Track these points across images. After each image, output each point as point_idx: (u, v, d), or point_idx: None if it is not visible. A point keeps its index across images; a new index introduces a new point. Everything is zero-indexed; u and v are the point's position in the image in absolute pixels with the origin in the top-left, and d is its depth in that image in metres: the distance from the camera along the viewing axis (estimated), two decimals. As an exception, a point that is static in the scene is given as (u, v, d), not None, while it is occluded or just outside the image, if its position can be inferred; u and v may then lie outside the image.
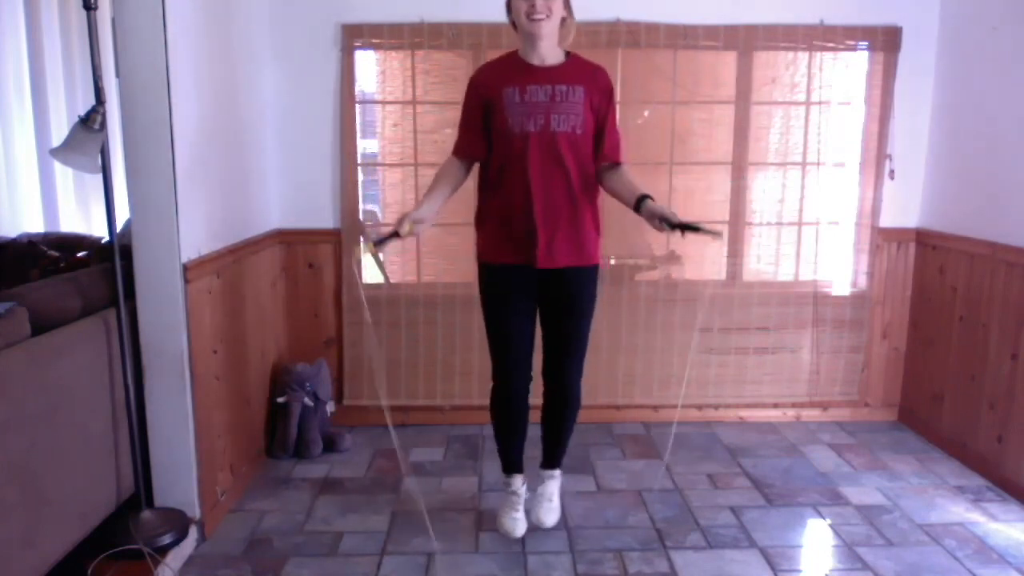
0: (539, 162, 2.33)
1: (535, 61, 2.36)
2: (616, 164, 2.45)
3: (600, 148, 2.41)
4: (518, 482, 2.67)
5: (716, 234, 2.23)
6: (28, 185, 3.75)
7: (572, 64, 2.40)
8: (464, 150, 2.46)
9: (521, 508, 2.66)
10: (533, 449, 2.72)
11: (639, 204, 2.32)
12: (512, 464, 2.67)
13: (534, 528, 2.67)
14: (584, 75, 2.37)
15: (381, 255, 2.31)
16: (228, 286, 2.87)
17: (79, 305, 2.28)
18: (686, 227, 2.23)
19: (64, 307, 2.23)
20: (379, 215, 3.77)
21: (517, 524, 2.62)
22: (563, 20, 2.34)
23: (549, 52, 2.36)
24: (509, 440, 2.64)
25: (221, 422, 2.80)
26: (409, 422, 3.66)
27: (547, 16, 2.26)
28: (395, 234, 2.30)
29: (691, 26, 3.43)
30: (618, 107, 3.45)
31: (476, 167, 2.54)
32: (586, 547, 2.60)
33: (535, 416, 2.64)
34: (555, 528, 2.70)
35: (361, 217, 3.60)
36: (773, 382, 3.72)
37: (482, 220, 2.49)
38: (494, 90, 2.36)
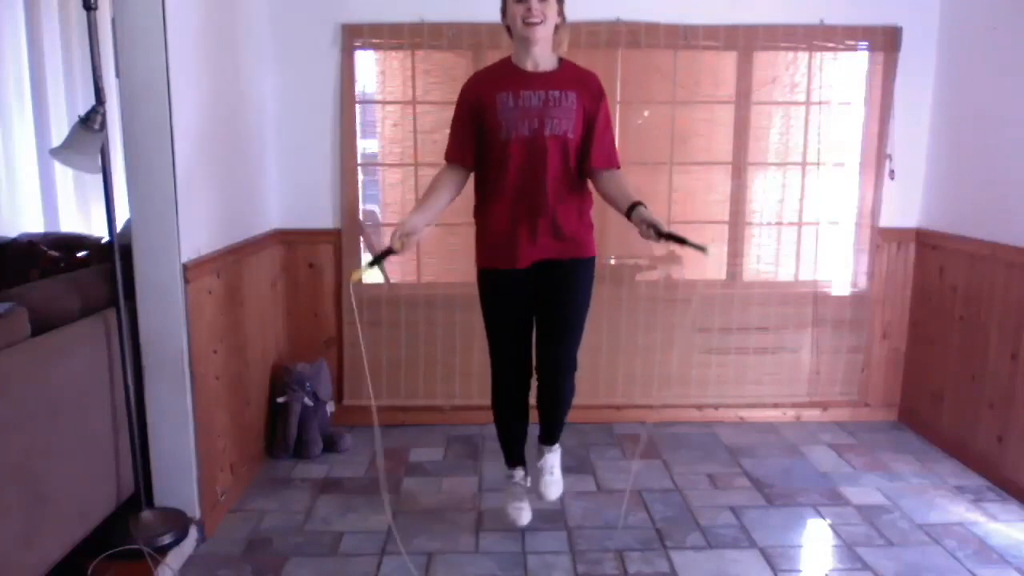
0: (531, 165, 2.35)
1: (529, 67, 2.38)
2: (613, 170, 2.44)
3: (590, 152, 2.41)
4: (520, 473, 2.69)
5: (702, 249, 2.17)
6: (28, 185, 3.75)
7: (565, 70, 2.41)
8: (455, 156, 2.47)
9: (525, 498, 2.65)
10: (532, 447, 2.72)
11: (630, 211, 2.33)
12: (514, 456, 2.69)
13: (535, 528, 2.67)
14: (576, 81, 2.39)
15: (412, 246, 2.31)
16: (228, 286, 2.87)
17: (79, 305, 2.28)
18: (673, 237, 2.22)
19: (64, 307, 2.23)
20: (379, 215, 3.77)
21: (522, 513, 2.62)
22: (556, 26, 2.36)
23: (543, 57, 2.38)
24: (511, 437, 2.66)
25: (221, 422, 2.80)
26: (409, 422, 3.66)
27: (542, 21, 2.28)
28: (390, 251, 2.30)
29: (691, 26, 3.43)
30: (618, 107, 3.49)
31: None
32: (586, 547, 2.60)
33: (534, 415, 2.64)
34: (555, 528, 2.70)
35: (361, 217, 3.60)
36: (773, 382, 3.72)
37: (479, 225, 2.51)
38: (487, 96, 2.37)
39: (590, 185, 2.49)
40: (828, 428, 3.67)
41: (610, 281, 3.54)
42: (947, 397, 3.41)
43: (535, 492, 2.65)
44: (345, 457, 3.33)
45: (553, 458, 2.68)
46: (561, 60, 2.43)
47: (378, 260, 2.30)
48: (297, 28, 3.41)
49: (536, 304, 2.49)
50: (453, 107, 3.53)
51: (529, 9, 2.26)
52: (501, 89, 2.35)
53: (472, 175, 2.51)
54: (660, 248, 3.65)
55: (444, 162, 2.50)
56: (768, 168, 3.65)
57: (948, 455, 3.35)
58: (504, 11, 2.36)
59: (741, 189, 3.62)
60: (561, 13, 2.36)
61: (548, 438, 2.68)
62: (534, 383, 2.58)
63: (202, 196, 2.63)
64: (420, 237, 2.34)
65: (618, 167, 2.46)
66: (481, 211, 2.49)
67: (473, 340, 3.53)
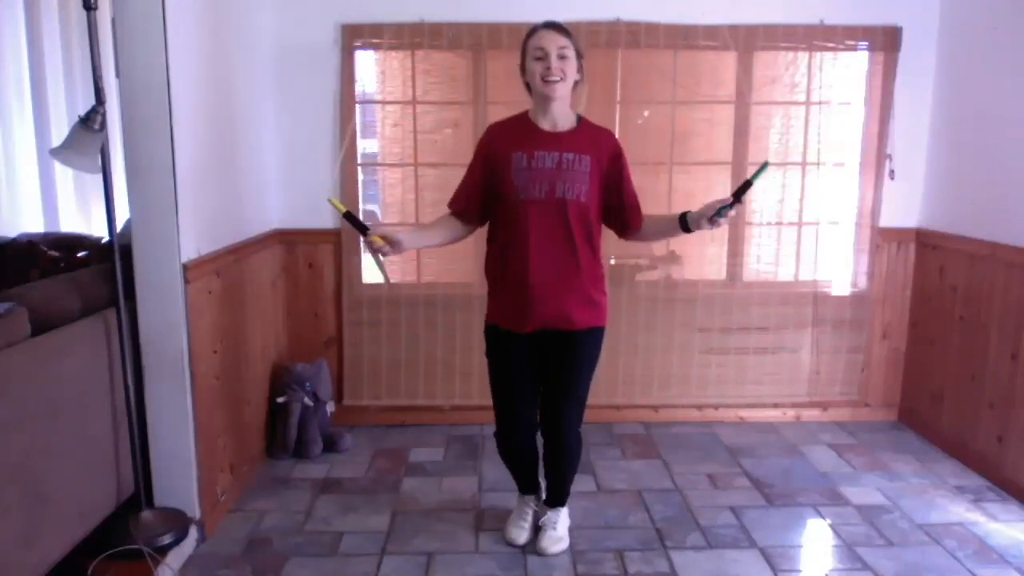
0: (542, 229, 2.32)
1: (546, 126, 2.36)
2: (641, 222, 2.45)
3: (626, 213, 2.41)
4: (531, 499, 2.69)
5: (765, 166, 2.26)
6: (28, 185, 3.74)
7: (581, 130, 2.38)
8: (460, 207, 2.45)
9: (530, 519, 2.66)
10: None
11: (684, 224, 2.32)
12: (527, 488, 2.69)
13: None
14: (591, 142, 2.36)
15: (382, 256, 2.27)
16: (228, 286, 2.87)
17: (79, 305, 2.28)
18: (742, 191, 2.24)
19: (64, 307, 2.23)
20: (379, 215, 3.77)
21: (522, 533, 2.62)
22: (576, 83, 2.34)
23: (561, 115, 2.36)
24: (521, 474, 2.66)
25: (221, 422, 2.80)
26: (409, 422, 3.66)
27: (561, 79, 2.26)
28: (364, 229, 2.21)
29: (691, 26, 3.43)
30: (618, 107, 3.49)
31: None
32: (586, 547, 2.60)
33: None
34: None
35: (361, 217, 3.59)
36: (773, 382, 3.72)
37: (490, 279, 2.48)
38: (502, 153, 2.35)
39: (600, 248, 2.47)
40: (828, 428, 3.67)
41: (610, 281, 3.52)
42: (947, 397, 3.41)
43: (536, 545, 2.58)
44: (345, 457, 3.33)
45: (556, 516, 2.62)
46: (580, 119, 2.41)
47: (353, 220, 2.22)
48: (297, 28, 3.41)
49: (543, 368, 2.47)
50: (453, 107, 3.56)
51: (548, 68, 2.24)
52: (516, 148, 2.33)
53: (479, 227, 2.51)
54: (660, 248, 3.68)
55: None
56: (768, 168, 3.64)
57: (948, 455, 3.35)
58: (523, 67, 2.33)
59: (741, 189, 3.61)
60: (581, 70, 2.33)
61: (555, 500, 2.64)
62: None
63: (202, 196, 2.63)
64: (401, 250, 2.27)
65: (643, 218, 2.45)
66: (492, 269, 2.46)
67: (473, 340, 3.53)
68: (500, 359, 2.48)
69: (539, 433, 2.56)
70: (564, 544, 2.60)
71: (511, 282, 2.38)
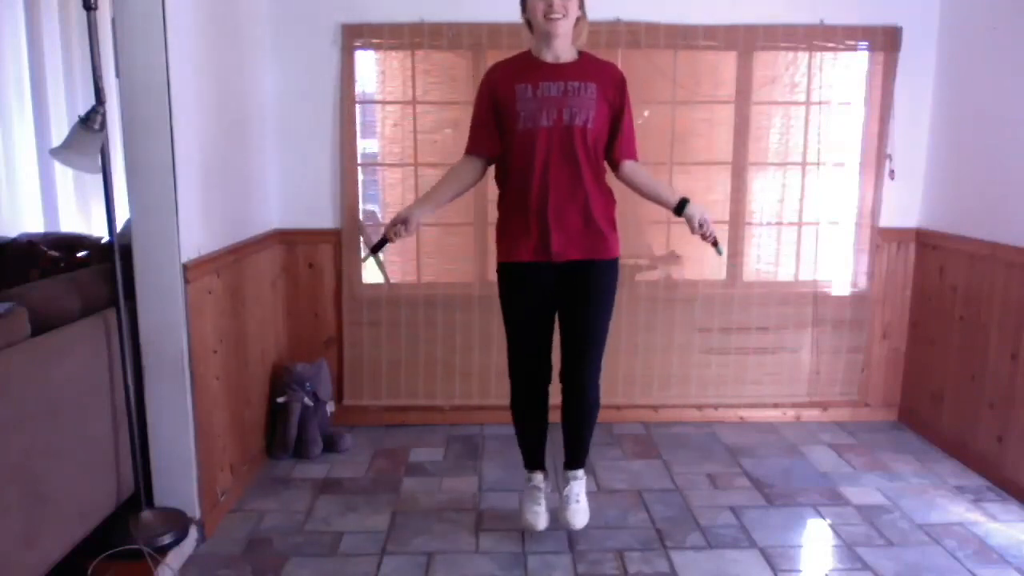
0: (552, 156, 2.33)
1: (549, 59, 2.38)
2: (633, 162, 2.47)
3: (616, 142, 2.42)
4: (539, 477, 2.67)
5: (720, 253, 2.46)
6: (28, 185, 3.74)
7: (584, 61, 2.41)
8: (477, 147, 2.47)
9: (543, 502, 2.64)
10: (552, 446, 2.71)
11: (680, 206, 2.39)
12: (534, 460, 2.67)
13: (554, 527, 2.65)
14: (596, 71, 2.39)
15: (381, 255, 2.30)
16: (228, 286, 2.87)
17: (79, 305, 2.28)
18: (714, 241, 2.45)
19: (64, 307, 2.23)
20: (379, 215, 3.77)
21: (539, 518, 2.61)
22: (577, 20, 2.36)
23: (563, 50, 2.38)
24: (531, 440, 2.65)
25: (221, 422, 2.80)
26: (409, 422, 3.66)
27: (564, 15, 2.28)
28: (385, 240, 2.35)
29: (691, 26, 3.43)
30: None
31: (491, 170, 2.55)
32: (586, 547, 2.60)
33: (555, 414, 2.62)
34: (555, 528, 2.69)
35: (361, 217, 3.60)
36: (773, 382, 3.72)
37: (501, 219, 2.49)
38: (506, 87, 2.37)
39: (612, 182, 2.49)
40: (828, 428, 3.67)
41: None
42: (947, 397, 3.41)
43: (560, 521, 2.61)
44: (345, 457, 3.33)
45: (579, 486, 2.64)
46: (581, 53, 2.43)
47: (375, 251, 2.31)
48: (297, 28, 3.41)
49: (559, 307, 2.48)
50: (453, 107, 3.56)
51: (551, 5, 2.26)
52: (520, 80, 2.35)
53: (488, 168, 2.52)
54: (660, 248, 3.68)
55: (457, 159, 2.50)
56: (768, 168, 3.64)
57: (948, 455, 3.35)
58: (524, 5, 2.35)
59: (741, 189, 3.62)
60: (581, 7, 2.36)
61: (573, 461, 2.65)
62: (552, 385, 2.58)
63: (202, 196, 2.63)
64: (412, 227, 2.35)
65: (637, 159, 2.48)
66: (503, 203, 2.47)
67: (473, 340, 3.53)
68: (515, 296, 2.47)
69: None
70: (588, 514, 2.63)
71: (524, 212, 2.38)
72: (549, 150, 2.33)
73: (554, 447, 2.70)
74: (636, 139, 2.49)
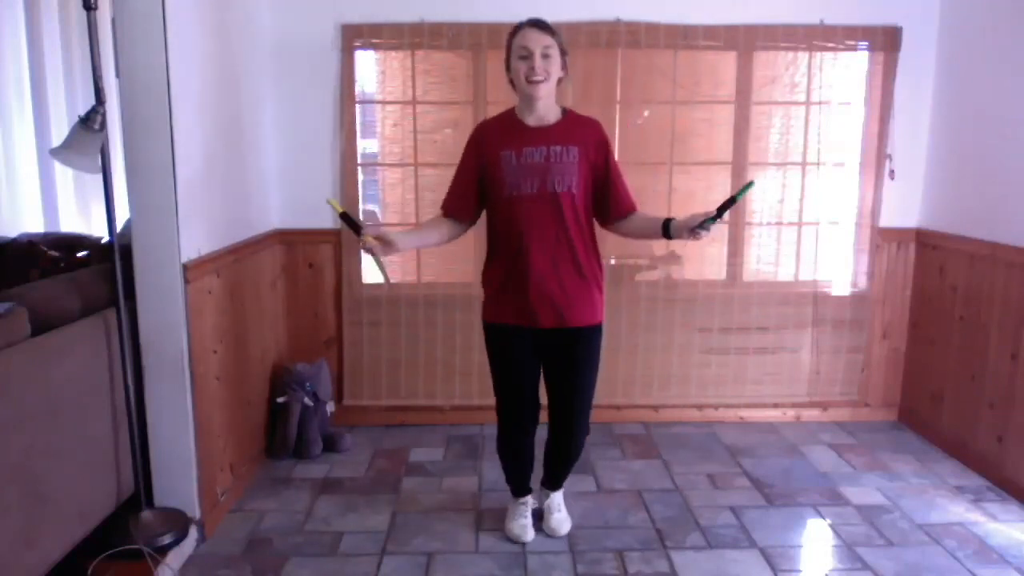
0: (537, 223, 2.33)
1: (531, 122, 2.37)
2: (632, 211, 2.46)
3: (612, 200, 2.41)
4: (527, 499, 2.72)
5: (750, 184, 2.23)
6: (28, 185, 3.74)
7: (568, 122, 2.40)
8: (452, 208, 2.47)
9: (529, 515, 2.69)
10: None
11: (666, 229, 2.32)
12: (521, 489, 2.70)
13: (538, 530, 2.67)
14: (578, 133, 2.37)
15: (378, 256, 2.28)
16: (228, 286, 2.87)
17: (79, 305, 2.28)
18: (725, 207, 2.19)
19: (64, 307, 2.23)
20: (379, 215, 3.77)
21: (526, 530, 2.64)
22: (559, 80, 2.36)
23: (547, 111, 2.38)
24: (517, 473, 2.68)
25: (221, 422, 2.80)
26: (409, 422, 3.66)
27: (545, 79, 2.28)
28: (358, 229, 2.23)
29: (691, 26, 3.43)
30: (617, 107, 3.49)
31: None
32: (586, 547, 2.60)
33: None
34: (543, 534, 2.70)
35: (361, 217, 3.60)
36: (773, 382, 3.72)
37: (486, 281, 2.50)
38: (492, 153, 2.37)
39: (600, 246, 2.48)
40: (828, 428, 3.67)
41: (610, 281, 3.53)
42: (947, 397, 3.41)
43: (545, 530, 2.66)
44: (345, 457, 3.33)
45: (558, 496, 2.71)
46: (564, 111, 2.42)
47: (348, 220, 2.24)
48: (297, 28, 3.41)
49: (547, 366, 2.50)
50: (453, 107, 3.56)
51: (532, 68, 2.26)
52: (504, 147, 2.35)
53: (470, 227, 2.53)
54: (660, 248, 3.68)
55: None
56: (768, 168, 3.64)
57: (948, 455, 3.35)
58: (508, 65, 2.35)
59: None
60: (565, 67, 2.35)
61: (556, 484, 2.71)
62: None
63: (202, 196, 2.63)
64: (392, 251, 2.28)
65: (636, 209, 2.46)
66: (489, 269, 2.48)
67: (473, 340, 3.53)
68: (503, 356, 2.49)
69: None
70: (570, 520, 2.70)
71: (509, 278, 2.40)
72: (534, 217, 2.33)
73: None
74: (630, 191, 2.46)
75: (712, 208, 2.19)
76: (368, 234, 2.22)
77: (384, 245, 2.25)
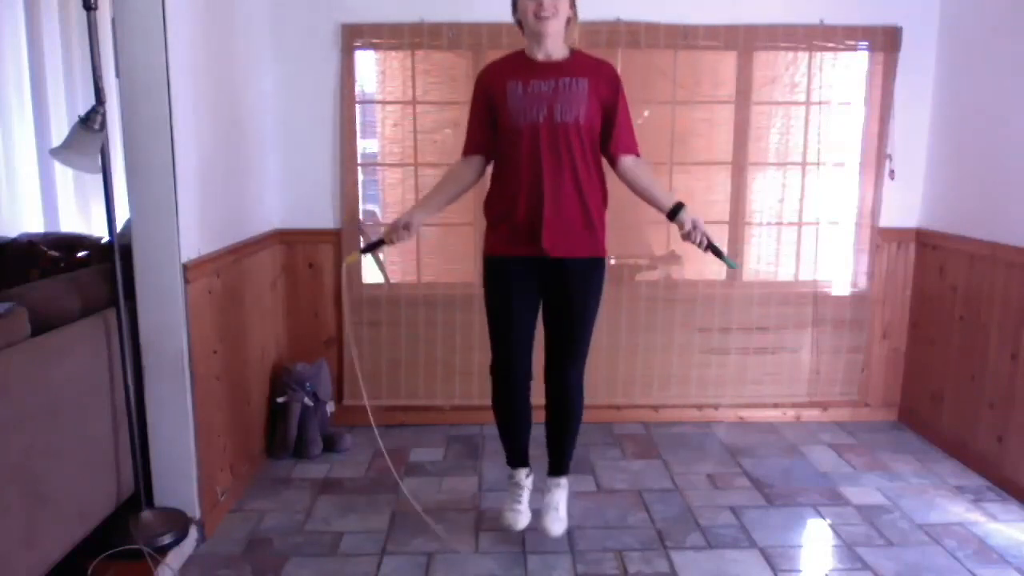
0: (542, 152, 2.33)
1: (540, 57, 2.38)
2: (635, 157, 2.46)
3: (613, 137, 2.41)
4: (522, 474, 2.65)
5: (733, 266, 2.46)
6: (28, 185, 3.75)
7: (576, 59, 2.41)
8: (474, 146, 2.49)
9: (524, 501, 2.63)
10: (540, 448, 2.71)
11: (675, 211, 2.37)
12: (516, 458, 2.65)
13: (535, 528, 2.66)
14: (589, 68, 2.39)
15: (381, 255, 2.31)
16: (228, 286, 2.87)
17: (79, 305, 2.28)
18: (715, 251, 2.39)
19: (64, 307, 2.23)
20: (379, 215, 3.77)
21: (519, 517, 2.60)
22: (568, 19, 2.36)
23: (555, 49, 2.38)
24: (512, 435, 2.63)
25: (221, 422, 2.80)
26: (409, 422, 3.66)
27: (553, 15, 2.29)
28: (381, 242, 2.38)
29: (691, 26, 3.43)
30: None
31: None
32: (586, 547, 2.60)
33: (539, 415, 2.63)
34: (536, 529, 2.68)
35: (361, 217, 3.60)
36: (773, 382, 3.72)
37: (489, 213, 2.50)
38: (498, 85, 2.38)
39: (607, 182, 2.48)
40: (828, 428, 3.67)
41: (610, 281, 3.50)
42: (947, 397, 3.41)
43: (540, 525, 2.59)
44: (345, 457, 3.33)
45: (560, 494, 2.63)
46: (573, 50, 2.43)
47: (369, 249, 2.33)
48: (297, 28, 3.41)
49: (545, 303, 2.49)
50: (453, 107, 3.56)
51: (541, 4, 2.27)
52: (511, 78, 2.36)
53: (486, 168, 2.53)
54: (660, 248, 3.68)
55: (455, 160, 2.51)
56: (768, 168, 3.64)
57: (948, 455, 3.35)
58: (515, 5, 2.36)
59: (741, 189, 3.62)
60: (573, 7, 2.36)
61: (556, 467, 2.64)
62: (535, 383, 2.58)
63: (202, 196, 2.63)
64: (414, 231, 2.37)
65: (638, 154, 2.46)
66: (494, 197, 2.48)
67: (473, 340, 3.53)
68: (500, 290, 2.47)
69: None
70: (566, 524, 2.63)
71: (513, 207, 2.39)
72: (540, 146, 2.33)
73: (541, 448, 2.69)
74: (636, 135, 2.47)
75: (708, 228, 2.39)
76: (389, 235, 2.31)
77: (404, 231, 2.33)
